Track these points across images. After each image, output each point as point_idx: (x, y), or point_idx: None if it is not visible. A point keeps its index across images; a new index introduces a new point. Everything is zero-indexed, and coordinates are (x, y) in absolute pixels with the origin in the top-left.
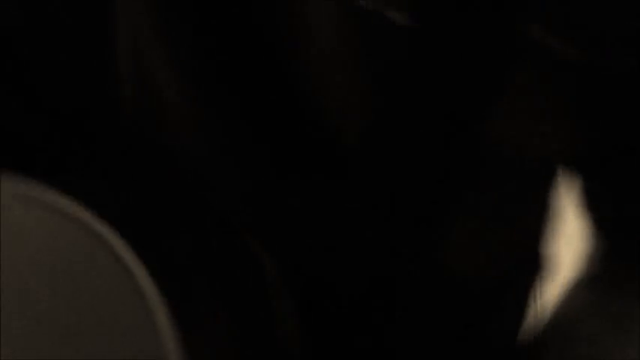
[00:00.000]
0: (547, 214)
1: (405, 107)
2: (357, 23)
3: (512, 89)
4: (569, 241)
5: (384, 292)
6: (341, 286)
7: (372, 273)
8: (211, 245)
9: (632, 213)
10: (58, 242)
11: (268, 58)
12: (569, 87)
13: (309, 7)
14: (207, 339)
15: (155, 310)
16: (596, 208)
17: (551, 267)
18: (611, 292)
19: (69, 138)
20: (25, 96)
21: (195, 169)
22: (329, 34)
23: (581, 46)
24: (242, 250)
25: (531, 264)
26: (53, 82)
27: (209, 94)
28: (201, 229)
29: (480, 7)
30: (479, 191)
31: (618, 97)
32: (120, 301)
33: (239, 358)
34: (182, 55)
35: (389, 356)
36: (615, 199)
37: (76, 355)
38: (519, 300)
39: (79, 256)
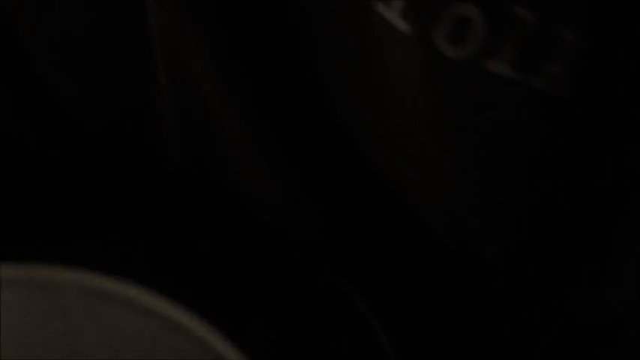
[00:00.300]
0: None
1: (520, 186)
2: (451, 79)
3: None
4: None
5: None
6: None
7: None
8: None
9: None
10: (157, 345)
11: (330, 95)
12: None
13: (386, 45)
14: None
15: None
16: None
17: None
18: None
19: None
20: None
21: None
22: (411, 82)
23: None
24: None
25: None
26: (91, 107)
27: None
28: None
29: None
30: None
31: None
32: None
33: None
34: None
35: None
36: None
37: None
38: None
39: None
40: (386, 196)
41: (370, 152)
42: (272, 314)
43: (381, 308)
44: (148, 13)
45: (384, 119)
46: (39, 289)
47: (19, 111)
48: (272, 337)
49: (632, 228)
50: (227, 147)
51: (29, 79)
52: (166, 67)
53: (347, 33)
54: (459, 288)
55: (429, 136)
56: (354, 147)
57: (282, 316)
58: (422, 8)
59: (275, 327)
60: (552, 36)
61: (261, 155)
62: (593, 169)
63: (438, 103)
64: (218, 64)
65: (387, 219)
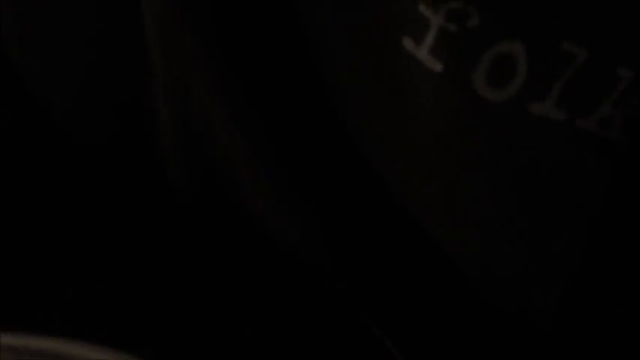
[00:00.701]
0: None
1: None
2: (487, 116)
3: None
4: None
5: None
6: None
7: None
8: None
9: None
10: None
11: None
12: None
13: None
14: None
15: None
16: None
17: None
18: None
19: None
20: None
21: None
22: (439, 118)
23: None
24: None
25: None
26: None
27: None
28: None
29: None
30: None
31: None
32: None
33: None
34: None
35: None
36: None
37: None
38: None
39: None
40: (390, 207)
41: (394, 189)
42: (270, 323)
43: (380, 312)
44: (144, 17)
45: (409, 153)
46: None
47: (12, 125)
48: (270, 346)
49: None
50: (225, 150)
51: (19, 92)
52: (163, 72)
53: (369, 63)
54: (458, 292)
55: (456, 173)
56: (364, 167)
57: (280, 324)
58: (458, 47)
59: (273, 336)
60: (605, 74)
61: (258, 156)
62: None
63: (469, 141)
64: (217, 75)
65: (390, 227)
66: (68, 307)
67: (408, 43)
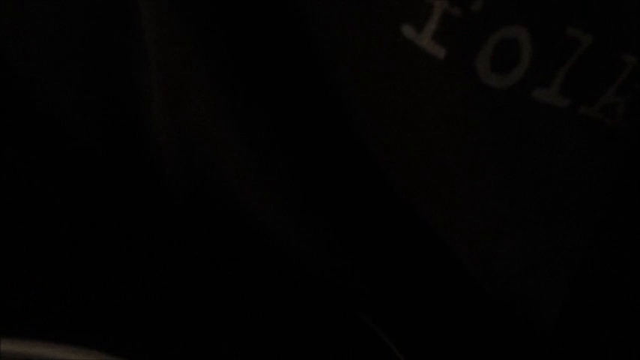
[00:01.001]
0: None
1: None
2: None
3: None
4: None
5: None
6: None
7: None
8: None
9: None
10: None
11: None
12: None
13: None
14: None
15: None
16: None
17: None
18: None
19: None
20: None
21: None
22: (442, 107)
23: None
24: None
25: None
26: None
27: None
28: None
29: None
30: None
31: None
32: None
33: None
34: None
35: None
36: None
37: None
38: None
39: None
40: (392, 203)
41: (397, 183)
42: (269, 323)
43: (380, 312)
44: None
45: (412, 144)
46: None
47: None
48: (270, 346)
49: None
50: (219, 148)
51: (18, 92)
52: (159, 68)
53: (369, 57)
54: (459, 291)
55: (459, 162)
56: (369, 165)
57: (279, 324)
58: (462, 32)
59: (273, 336)
60: (609, 60)
61: (253, 154)
62: None
63: (472, 128)
64: (213, 71)
65: (391, 225)
66: (67, 311)
67: (408, 32)
